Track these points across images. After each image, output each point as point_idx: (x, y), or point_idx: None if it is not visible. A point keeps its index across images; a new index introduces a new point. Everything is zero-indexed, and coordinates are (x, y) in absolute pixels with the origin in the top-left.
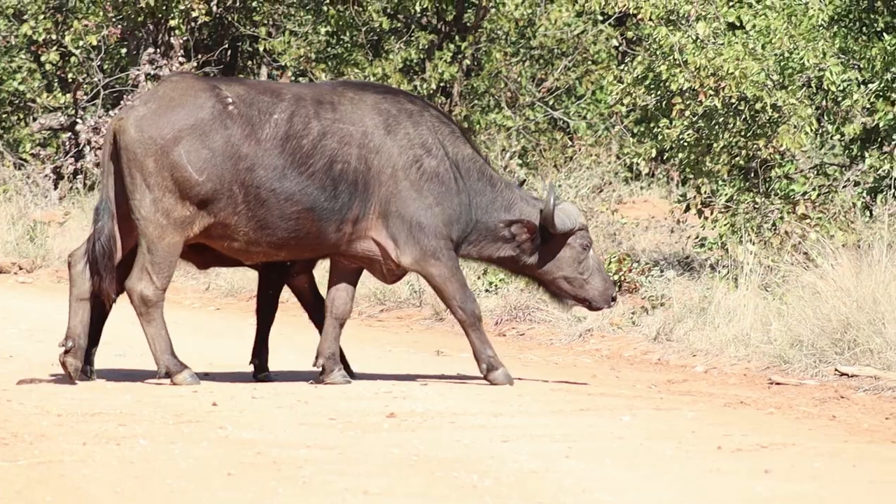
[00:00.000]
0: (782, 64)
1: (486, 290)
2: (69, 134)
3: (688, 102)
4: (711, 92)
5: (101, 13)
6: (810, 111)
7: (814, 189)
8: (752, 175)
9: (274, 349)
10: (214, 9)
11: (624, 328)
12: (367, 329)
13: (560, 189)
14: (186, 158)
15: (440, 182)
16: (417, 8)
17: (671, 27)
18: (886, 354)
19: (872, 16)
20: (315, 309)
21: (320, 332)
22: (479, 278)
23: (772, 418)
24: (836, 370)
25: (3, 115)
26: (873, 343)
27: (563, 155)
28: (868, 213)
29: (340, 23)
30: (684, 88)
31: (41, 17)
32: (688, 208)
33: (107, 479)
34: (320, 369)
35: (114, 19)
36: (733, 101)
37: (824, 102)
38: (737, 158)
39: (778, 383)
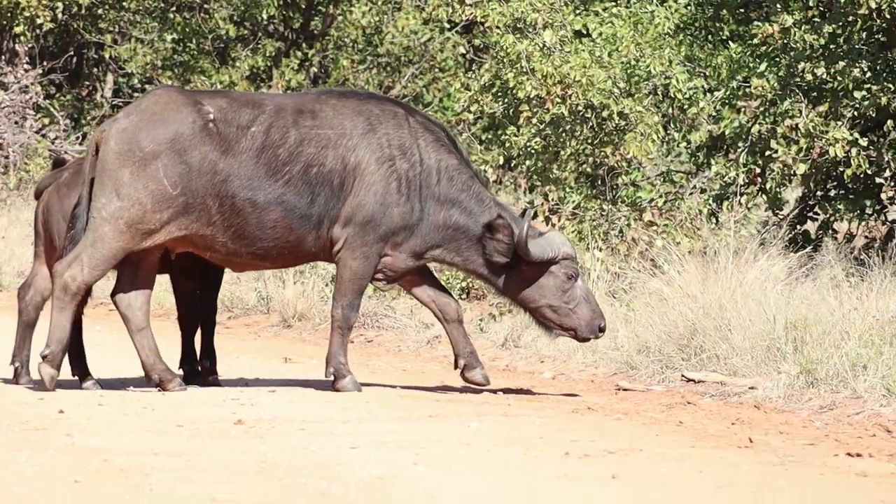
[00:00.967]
0: (629, 72)
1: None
2: None
3: (535, 110)
4: (558, 100)
5: None
6: (657, 119)
7: (660, 196)
8: (600, 182)
9: (121, 356)
10: (60, 16)
11: (472, 335)
12: (216, 336)
13: None
14: (163, 172)
15: (407, 185)
16: (264, 15)
17: (518, 35)
18: (732, 360)
19: (718, 24)
20: (192, 314)
21: (184, 336)
22: (326, 285)
23: (619, 424)
24: (682, 376)
25: None
26: (719, 349)
27: None
28: (714, 220)
29: (187, 30)
30: (531, 96)
31: None
32: (535, 215)
33: None
34: (461, 368)
35: None
36: (580, 108)
37: (670, 110)
38: (584, 166)
39: (625, 389)
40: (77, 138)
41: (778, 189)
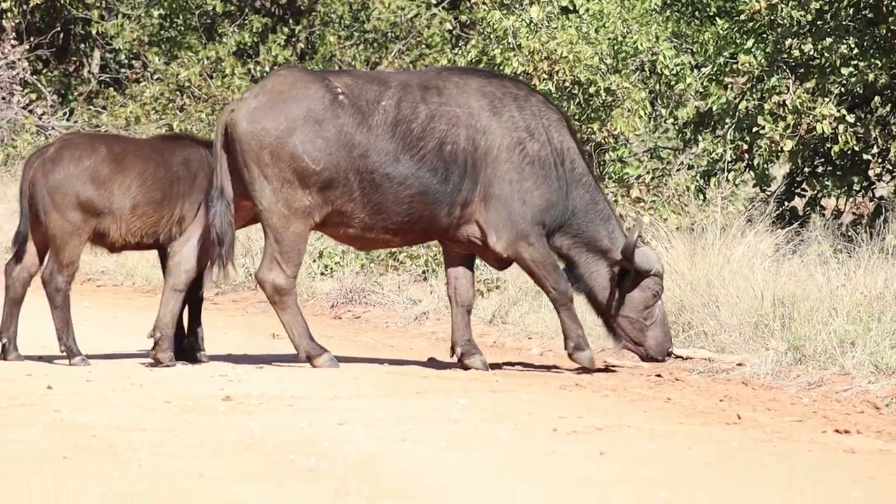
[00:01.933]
0: (616, 48)
1: (322, 273)
2: None
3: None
4: (545, 76)
5: None
6: (644, 95)
7: (648, 172)
8: (587, 158)
9: (109, 332)
10: None
11: None
12: (203, 312)
13: None
14: (302, 149)
15: (541, 166)
16: None
17: (505, 11)
18: (720, 337)
19: (705, 0)
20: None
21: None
22: (314, 261)
23: (607, 400)
24: (670, 352)
25: None
26: (707, 325)
27: None
28: (702, 197)
29: (174, 6)
30: (518, 72)
31: None
32: None
33: None
34: (458, 356)
35: None
36: (567, 84)
37: (658, 86)
38: None
39: (613, 366)
40: (64, 114)
41: (765, 165)
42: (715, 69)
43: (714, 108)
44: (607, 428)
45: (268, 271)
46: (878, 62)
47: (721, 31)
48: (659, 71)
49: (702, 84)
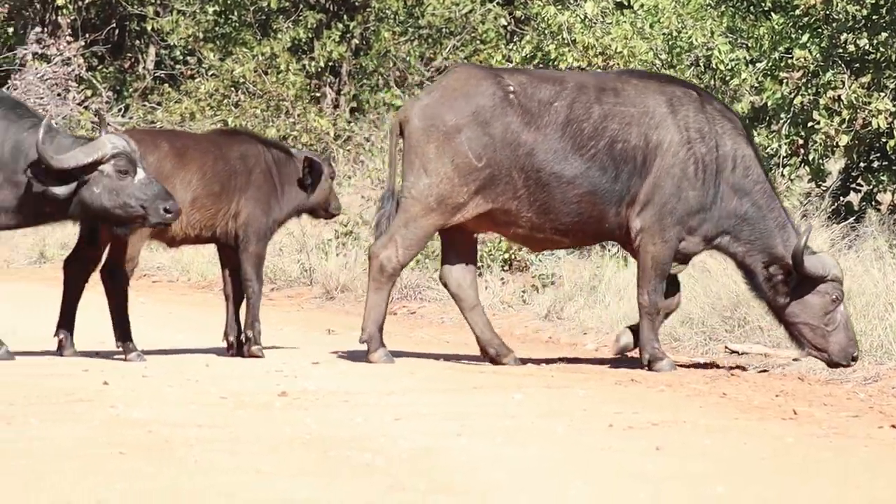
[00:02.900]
0: (670, 43)
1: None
2: None
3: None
4: (600, 70)
5: None
6: None
7: None
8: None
9: (165, 328)
10: None
11: (515, 307)
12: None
13: None
14: (467, 145)
15: (703, 170)
16: None
17: (559, 6)
18: (776, 332)
19: None
20: (238, 286)
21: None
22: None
23: (663, 396)
24: (726, 347)
25: None
26: (763, 321)
27: None
28: None
29: (229, 2)
30: (573, 67)
31: None
32: None
33: None
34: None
35: None
36: None
37: (713, 81)
38: None
39: (734, 351)
40: (119, 110)
41: (820, 160)
42: (770, 64)
43: (769, 104)
44: (663, 423)
45: (382, 248)
46: None
47: (776, 26)
48: (714, 66)
49: (757, 79)
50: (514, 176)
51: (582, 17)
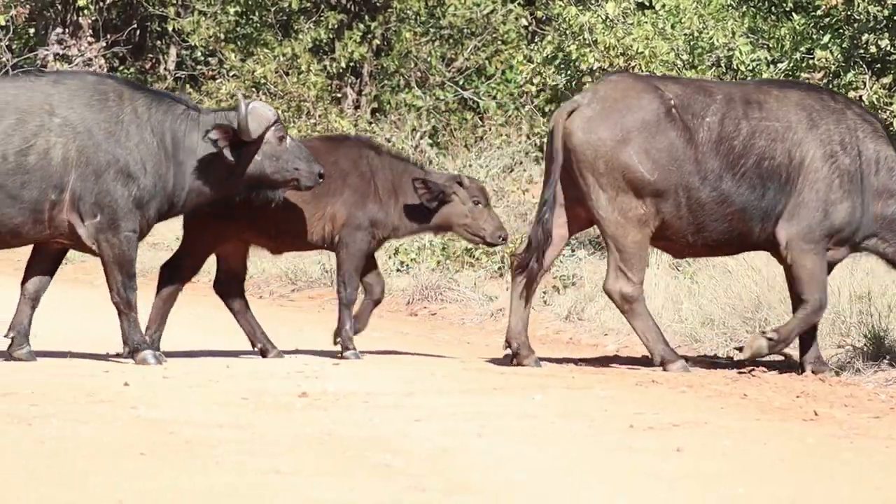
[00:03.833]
0: (692, 43)
1: (398, 270)
2: None
3: (598, 82)
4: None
5: None
6: None
7: None
8: None
9: (184, 329)
10: None
11: (536, 307)
12: (279, 309)
13: (470, 169)
14: (637, 159)
15: (849, 180)
16: None
17: (581, 7)
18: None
19: None
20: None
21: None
22: (389, 258)
23: (683, 397)
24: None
25: None
26: (784, 322)
27: (474, 135)
28: None
29: (249, 2)
30: (594, 68)
31: None
32: None
33: (19, 459)
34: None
35: None
36: None
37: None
38: None
39: (790, 356)
40: None
41: None
42: (791, 65)
43: None
44: (684, 424)
45: (614, 281)
46: None
47: (797, 27)
48: (735, 67)
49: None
50: (679, 193)
51: (603, 17)
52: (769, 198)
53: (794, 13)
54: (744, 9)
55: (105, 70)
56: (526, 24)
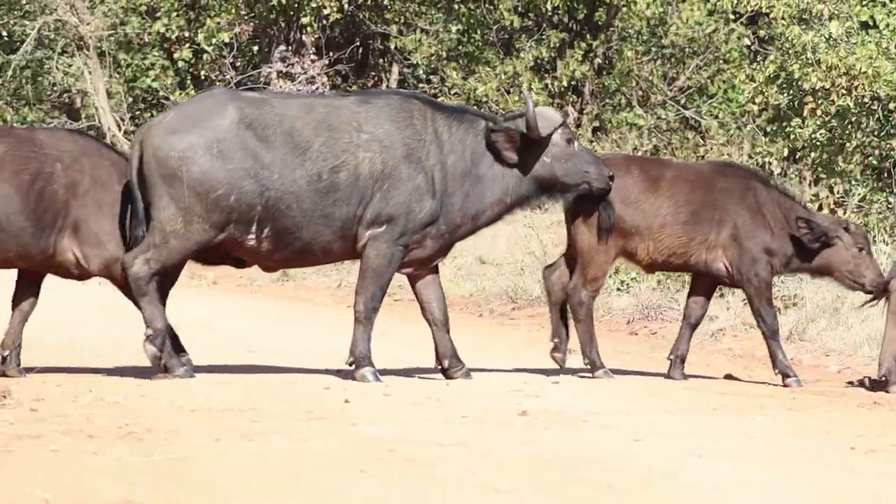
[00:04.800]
0: None
1: (618, 290)
2: None
3: (820, 102)
4: (844, 91)
5: (233, 10)
6: None
7: None
8: (886, 175)
9: (404, 346)
10: (346, 6)
11: (756, 328)
12: (499, 327)
13: None
14: None
15: None
16: (549, 6)
17: (804, 26)
18: None
19: None
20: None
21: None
22: (610, 277)
23: None
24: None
25: (137, 112)
26: None
27: (695, 154)
28: None
29: (471, 21)
30: (817, 88)
31: (174, 14)
32: (820, 208)
33: (239, 474)
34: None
35: (246, 17)
36: (866, 100)
37: None
38: (870, 158)
39: None
40: None
41: None
42: None
43: None
44: None
45: None
46: None
47: None
48: None
49: None
50: None
51: (826, 36)
52: None
53: None
54: None
55: (328, 88)
56: (748, 43)
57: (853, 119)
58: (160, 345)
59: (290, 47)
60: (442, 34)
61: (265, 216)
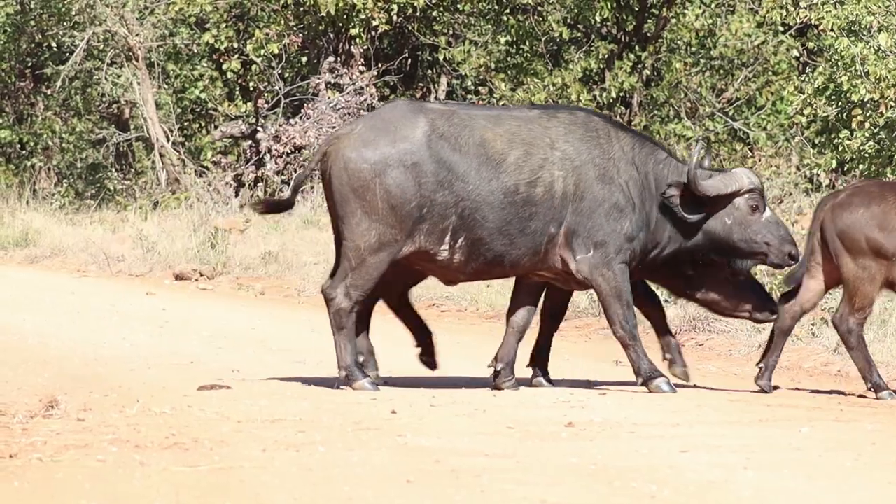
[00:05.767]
0: None
1: (665, 300)
2: (250, 142)
3: (869, 114)
4: (893, 103)
5: (282, 22)
6: None
7: None
8: None
9: (451, 357)
10: (394, 18)
11: (804, 339)
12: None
13: None
14: None
15: None
16: (598, 18)
17: (853, 38)
18: None
19: None
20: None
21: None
22: (657, 288)
23: None
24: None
25: (185, 123)
26: None
27: (743, 166)
28: None
29: (520, 32)
30: (865, 99)
31: (223, 25)
32: None
33: (286, 485)
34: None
35: (295, 28)
36: None
37: None
38: None
39: None
40: None
41: None
42: None
43: None
44: None
45: None
46: None
47: None
48: None
49: None
50: None
51: (875, 48)
52: None
53: None
54: None
55: (376, 99)
56: (797, 55)
57: None
58: (351, 382)
59: (338, 58)
60: (490, 45)
61: (460, 226)
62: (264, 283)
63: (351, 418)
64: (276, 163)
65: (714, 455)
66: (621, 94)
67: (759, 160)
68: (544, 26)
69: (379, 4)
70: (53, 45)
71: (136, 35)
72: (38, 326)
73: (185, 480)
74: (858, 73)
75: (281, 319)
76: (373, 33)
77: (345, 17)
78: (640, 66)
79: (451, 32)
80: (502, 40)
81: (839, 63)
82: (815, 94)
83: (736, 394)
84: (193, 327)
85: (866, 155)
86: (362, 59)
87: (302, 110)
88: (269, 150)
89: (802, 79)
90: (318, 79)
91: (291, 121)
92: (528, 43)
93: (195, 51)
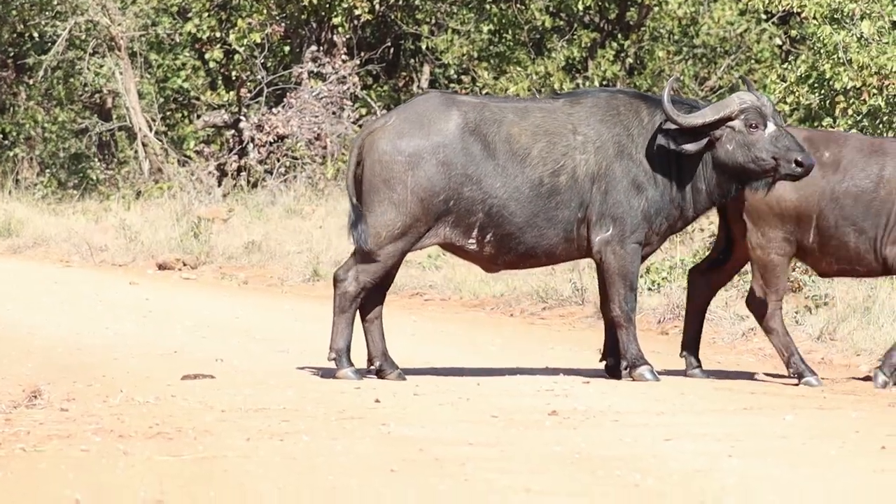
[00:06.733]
0: None
1: (649, 289)
2: (232, 131)
3: (851, 101)
4: (875, 91)
5: (264, 11)
6: None
7: None
8: None
9: (436, 346)
10: (377, 7)
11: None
12: (530, 327)
13: None
14: None
15: None
16: (580, 6)
17: (835, 26)
18: None
19: None
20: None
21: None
22: (641, 277)
23: None
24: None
25: (168, 113)
26: None
27: None
28: None
29: (503, 21)
30: (848, 87)
31: (205, 15)
32: None
33: (270, 474)
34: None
35: (277, 17)
36: None
37: None
38: None
39: None
40: None
41: None
42: None
43: None
44: None
45: None
46: None
47: None
48: None
49: None
50: None
51: (857, 36)
52: None
53: None
54: None
55: (359, 88)
56: (780, 43)
57: (884, 118)
58: (336, 370)
59: (321, 47)
60: (473, 34)
61: (487, 223)
62: (247, 272)
63: (335, 407)
64: (258, 152)
65: (698, 443)
66: (604, 83)
67: None
68: (527, 15)
69: None
70: (35, 34)
71: (119, 25)
72: (21, 316)
73: (169, 470)
74: (841, 61)
75: (264, 309)
76: (355, 22)
77: (327, 6)
78: (622, 54)
79: (433, 21)
80: (485, 29)
81: (822, 51)
82: (797, 82)
83: (720, 382)
84: (177, 317)
85: None
86: (345, 49)
87: (285, 99)
88: (252, 140)
89: (785, 67)
90: (301, 68)
91: (274, 110)
92: (510, 32)
93: (177, 40)
